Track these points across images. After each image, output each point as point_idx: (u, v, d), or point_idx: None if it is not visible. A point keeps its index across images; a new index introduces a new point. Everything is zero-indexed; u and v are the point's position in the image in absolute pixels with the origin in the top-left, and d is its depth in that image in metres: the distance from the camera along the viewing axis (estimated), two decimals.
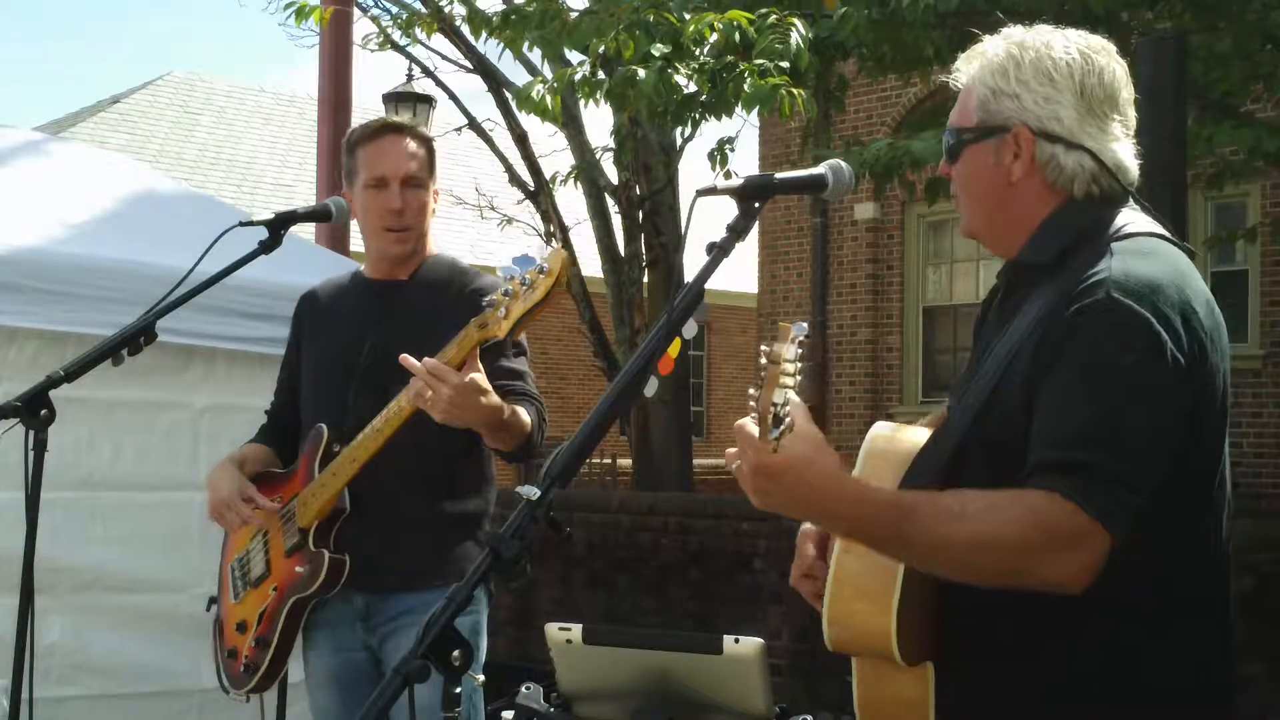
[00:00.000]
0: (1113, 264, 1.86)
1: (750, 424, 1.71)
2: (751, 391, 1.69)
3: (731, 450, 1.76)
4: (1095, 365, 1.80)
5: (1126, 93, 2.03)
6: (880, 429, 2.07)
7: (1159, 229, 1.97)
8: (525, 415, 3.04)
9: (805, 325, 1.73)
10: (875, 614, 1.82)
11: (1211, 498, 1.94)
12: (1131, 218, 1.98)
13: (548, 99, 6.39)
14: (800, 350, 1.70)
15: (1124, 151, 2.01)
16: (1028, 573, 1.76)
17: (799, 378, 1.71)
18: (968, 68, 2.07)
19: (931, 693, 1.92)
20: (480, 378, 2.82)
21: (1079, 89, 1.98)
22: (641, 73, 6.04)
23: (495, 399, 2.89)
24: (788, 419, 1.69)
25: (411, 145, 3.21)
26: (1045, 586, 1.77)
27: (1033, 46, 2.01)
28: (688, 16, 6.25)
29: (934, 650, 1.91)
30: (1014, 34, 2.05)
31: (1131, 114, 2.04)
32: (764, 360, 1.69)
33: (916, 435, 2.01)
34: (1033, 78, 1.99)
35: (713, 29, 6.14)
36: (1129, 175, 2.01)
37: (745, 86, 6.05)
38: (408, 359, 2.82)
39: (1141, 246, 1.91)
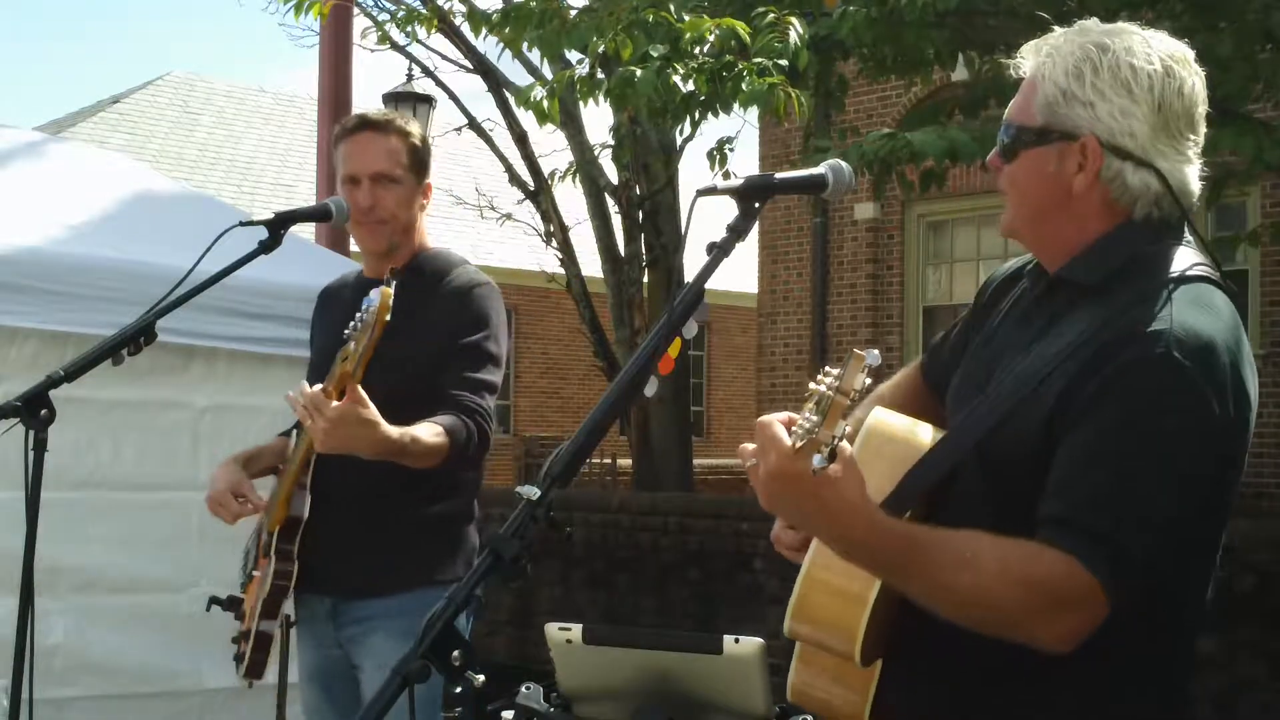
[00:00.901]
0: (1173, 315, 1.77)
1: (780, 429, 1.64)
2: (810, 415, 1.60)
3: (748, 447, 1.70)
4: (1138, 426, 1.73)
5: (1202, 108, 1.90)
6: (883, 417, 2.01)
7: (1211, 272, 1.87)
8: (435, 439, 2.92)
9: (878, 354, 1.63)
10: (845, 615, 1.79)
11: (1213, 555, 1.89)
12: (1187, 258, 1.86)
13: (545, 103, 6.39)
14: (869, 381, 1.62)
15: (1192, 173, 1.89)
16: (1020, 630, 1.74)
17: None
18: (1036, 59, 1.93)
19: (872, 692, 1.90)
20: (359, 410, 2.71)
21: (1157, 103, 1.85)
22: (640, 73, 6.04)
23: (382, 431, 2.76)
24: (839, 454, 1.62)
25: (386, 141, 3.21)
26: (1033, 644, 1.74)
27: (1113, 50, 1.86)
28: (686, 18, 6.25)
29: (883, 652, 1.88)
30: (1091, 30, 1.91)
31: (1203, 130, 1.91)
32: (830, 384, 1.59)
33: (921, 434, 1.97)
34: (1110, 86, 1.85)
35: (710, 34, 6.15)
36: (1191, 199, 1.90)
37: (743, 85, 6.05)
38: (299, 391, 2.77)
39: (1200, 296, 1.81)
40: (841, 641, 1.81)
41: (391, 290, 2.69)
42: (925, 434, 1.96)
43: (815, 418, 1.59)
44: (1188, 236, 1.91)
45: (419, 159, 3.26)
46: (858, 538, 1.69)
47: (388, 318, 2.68)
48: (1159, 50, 1.88)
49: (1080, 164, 1.87)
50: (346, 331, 2.74)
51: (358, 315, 2.71)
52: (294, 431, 3.27)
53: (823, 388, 1.61)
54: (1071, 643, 1.73)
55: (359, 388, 2.72)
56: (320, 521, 3.14)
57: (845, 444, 1.63)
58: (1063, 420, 1.78)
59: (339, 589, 3.18)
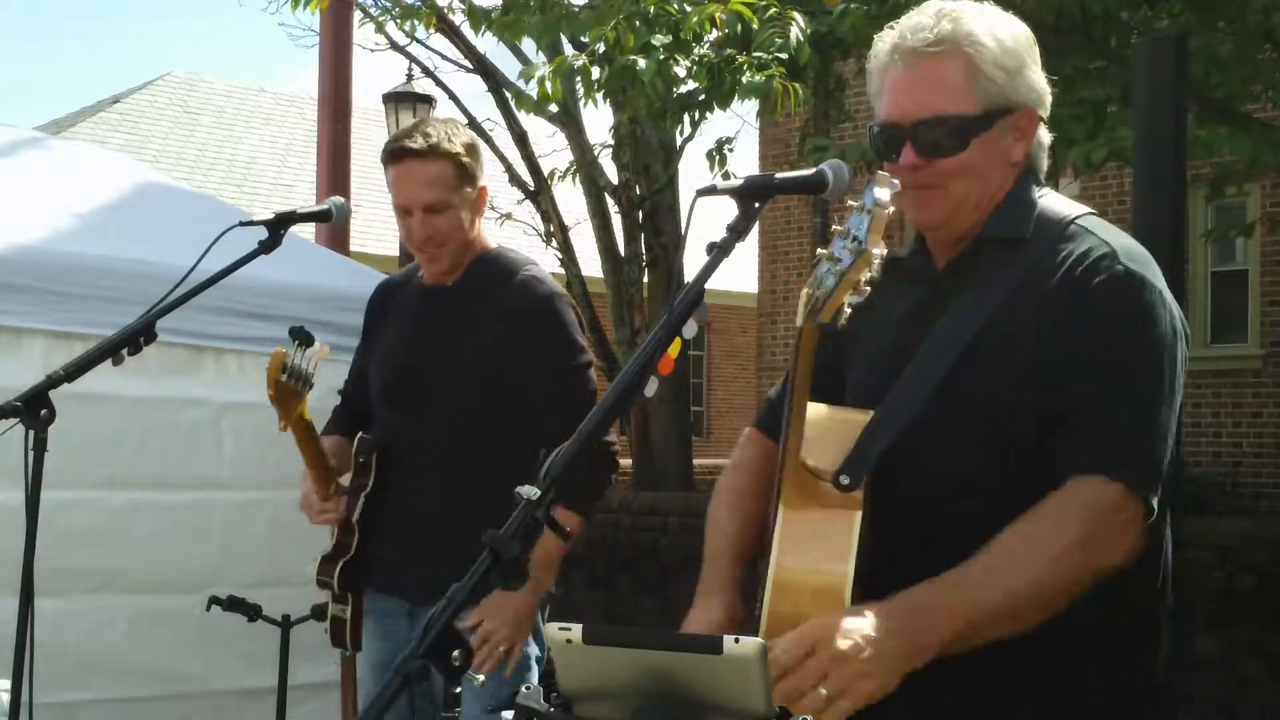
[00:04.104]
0: (1104, 239, 1.90)
1: (785, 652, 1.62)
2: (858, 235, 1.58)
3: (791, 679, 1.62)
4: (1143, 347, 1.84)
5: None
6: (811, 408, 2.03)
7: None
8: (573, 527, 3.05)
9: (897, 183, 1.64)
10: (829, 582, 1.77)
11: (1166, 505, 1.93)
12: (1068, 200, 2.01)
13: (548, 83, 6.35)
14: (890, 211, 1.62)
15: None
16: (1093, 568, 1.77)
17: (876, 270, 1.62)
18: (948, 47, 1.93)
19: None
20: (492, 625, 2.99)
21: (1038, 65, 2.00)
22: (642, 62, 6.02)
23: (526, 605, 3.03)
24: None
25: (429, 168, 3.16)
26: (1113, 565, 1.78)
27: (1010, 22, 1.99)
28: (689, 9, 6.24)
29: None
30: (972, 6, 1.97)
31: None
32: (863, 205, 1.59)
33: (853, 414, 1.98)
34: (1029, 54, 1.98)
35: (712, 23, 6.14)
36: None
37: (743, 79, 6.06)
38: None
39: (1105, 225, 1.96)
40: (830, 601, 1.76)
41: (282, 353, 2.97)
42: (855, 412, 1.98)
43: (846, 259, 1.59)
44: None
45: (467, 173, 3.21)
46: (941, 634, 1.71)
47: (283, 377, 2.98)
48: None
49: (1017, 135, 1.97)
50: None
51: None
52: (360, 441, 3.32)
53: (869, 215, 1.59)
54: (1135, 552, 1.78)
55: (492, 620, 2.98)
56: (396, 526, 3.19)
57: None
58: (1062, 364, 1.84)
59: (417, 594, 3.18)
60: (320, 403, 3.33)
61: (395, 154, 3.20)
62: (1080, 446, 1.82)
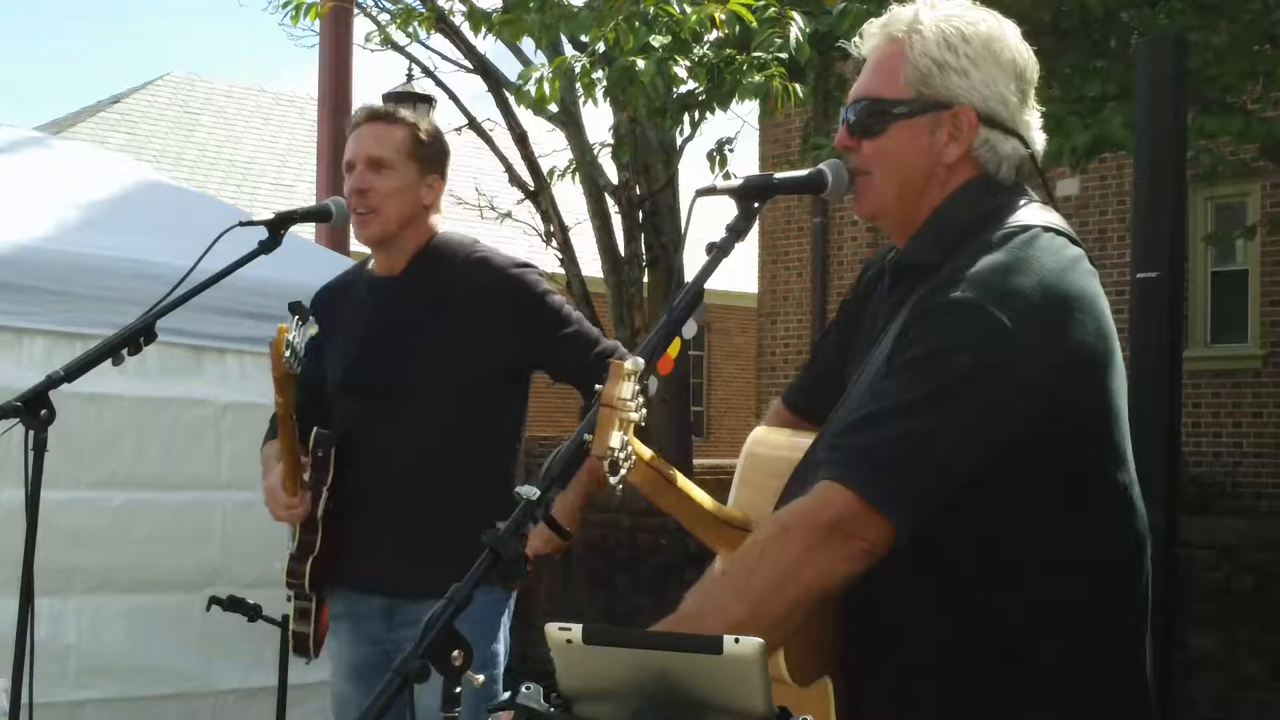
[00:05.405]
0: (983, 261, 1.78)
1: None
2: (586, 436, 1.64)
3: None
4: (922, 360, 1.76)
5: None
6: (760, 434, 2.04)
7: (1053, 220, 1.88)
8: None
9: (642, 360, 1.66)
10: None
11: (1118, 509, 1.87)
12: (1023, 215, 1.87)
13: (545, 85, 6.35)
14: (638, 388, 1.63)
15: (1040, 139, 1.97)
16: (817, 584, 1.72)
17: (642, 412, 1.65)
18: (887, 33, 1.93)
19: (832, 709, 1.86)
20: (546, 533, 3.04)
21: (1020, 73, 1.92)
22: (641, 63, 6.03)
23: (566, 522, 3.04)
24: (628, 463, 1.64)
25: (387, 129, 3.18)
26: (834, 575, 1.72)
27: (977, 22, 1.91)
28: (688, 10, 6.25)
29: (828, 668, 1.85)
30: (944, 5, 1.94)
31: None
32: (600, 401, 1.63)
33: (799, 440, 1.98)
34: (982, 56, 1.89)
35: (711, 23, 6.15)
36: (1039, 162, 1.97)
37: (743, 80, 6.07)
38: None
39: (1022, 241, 1.81)
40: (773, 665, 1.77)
41: (285, 329, 2.89)
42: (805, 442, 1.97)
43: (589, 437, 1.63)
44: (1029, 193, 1.93)
45: (423, 151, 3.20)
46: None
47: (286, 353, 2.87)
48: (1008, 25, 1.94)
49: (952, 134, 1.89)
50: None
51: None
52: (323, 437, 3.24)
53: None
54: (858, 566, 1.72)
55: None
56: (367, 521, 3.14)
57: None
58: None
59: (394, 590, 3.13)
60: None
61: (361, 118, 3.24)
62: (829, 452, 1.78)
